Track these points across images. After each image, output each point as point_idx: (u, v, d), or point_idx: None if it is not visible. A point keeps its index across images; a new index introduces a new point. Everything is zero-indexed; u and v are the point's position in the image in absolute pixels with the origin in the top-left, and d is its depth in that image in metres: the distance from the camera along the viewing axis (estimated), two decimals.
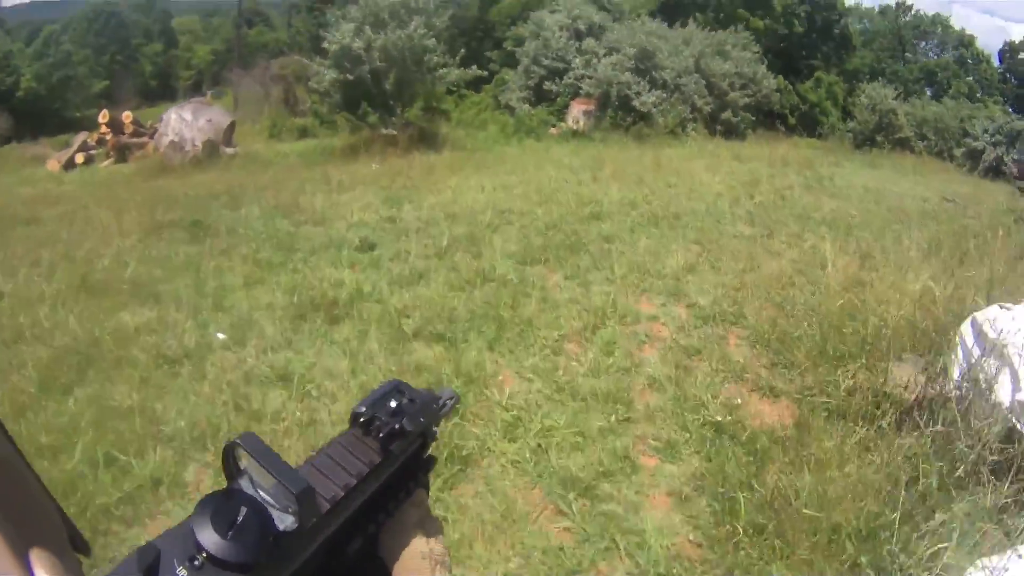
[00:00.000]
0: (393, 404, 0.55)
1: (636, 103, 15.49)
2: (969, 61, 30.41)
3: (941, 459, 2.57)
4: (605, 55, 16.61)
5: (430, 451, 0.60)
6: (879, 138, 19.67)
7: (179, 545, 0.39)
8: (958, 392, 2.78)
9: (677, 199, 7.65)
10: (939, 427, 2.68)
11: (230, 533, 0.39)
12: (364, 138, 12.38)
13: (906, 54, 31.51)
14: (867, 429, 2.91)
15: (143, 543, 0.38)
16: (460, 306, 4.29)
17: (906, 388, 3.01)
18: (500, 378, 3.52)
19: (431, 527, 0.59)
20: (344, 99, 13.06)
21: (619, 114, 15.60)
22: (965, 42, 30.75)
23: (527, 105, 17.12)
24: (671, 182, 8.56)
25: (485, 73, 15.52)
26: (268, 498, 0.43)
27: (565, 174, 8.94)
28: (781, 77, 19.65)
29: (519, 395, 3.34)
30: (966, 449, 2.51)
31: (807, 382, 3.49)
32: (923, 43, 32.60)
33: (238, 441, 0.43)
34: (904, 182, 12.63)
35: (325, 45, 12.52)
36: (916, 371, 3.14)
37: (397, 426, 0.53)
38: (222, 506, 0.40)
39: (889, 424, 2.88)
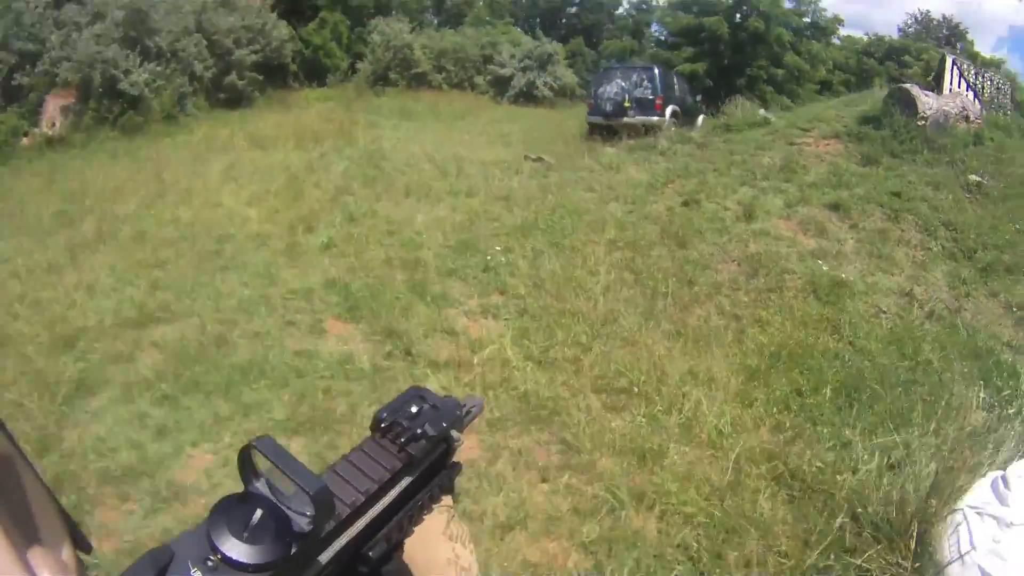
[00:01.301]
0: (414, 409, 0.55)
1: (124, 85, 12.08)
2: None
3: None
4: (88, 24, 12.56)
5: (455, 458, 0.59)
6: (392, 75, 19.42)
7: (194, 547, 0.38)
8: None
9: (203, 286, 4.76)
10: None
11: (245, 535, 0.39)
12: None
13: None
14: None
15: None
16: None
17: None
18: None
19: (457, 533, 0.61)
20: None
21: (104, 104, 11.94)
22: None
23: None
24: (185, 232, 5.96)
25: None
26: (285, 501, 0.43)
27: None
28: (286, 23, 17.87)
29: None
30: None
31: None
32: None
33: (254, 444, 0.43)
34: (460, 134, 12.90)
35: None
36: None
37: (419, 431, 0.53)
38: (237, 508, 0.40)
39: None
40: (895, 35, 29.00)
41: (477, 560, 0.60)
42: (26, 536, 0.34)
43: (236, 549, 0.39)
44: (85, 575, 0.41)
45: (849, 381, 3.90)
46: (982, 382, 3.96)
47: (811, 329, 4.60)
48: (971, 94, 9.92)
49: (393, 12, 22.83)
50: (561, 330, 4.22)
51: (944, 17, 30.15)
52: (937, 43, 25.76)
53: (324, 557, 0.45)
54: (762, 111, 10.83)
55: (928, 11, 31.83)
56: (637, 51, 27.32)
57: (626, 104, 13.11)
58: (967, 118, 8.34)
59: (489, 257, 5.28)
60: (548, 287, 4.81)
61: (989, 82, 10.23)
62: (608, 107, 13.20)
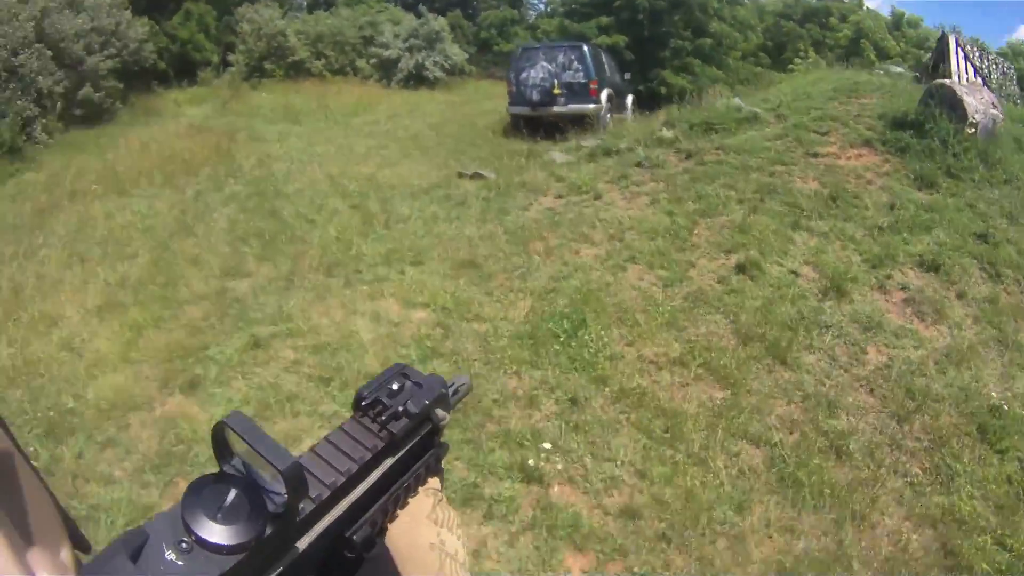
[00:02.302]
0: (395, 387, 0.53)
1: None
2: None
3: None
4: None
5: (443, 438, 0.56)
6: (268, 65, 17.00)
7: (168, 529, 0.38)
8: None
9: None
10: None
11: (219, 515, 0.38)
12: None
13: None
14: None
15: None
16: None
17: None
18: None
19: (443, 517, 0.57)
20: None
21: None
22: None
23: None
24: None
25: None
26: (261, 480, 0.41)
27: None
28: (147, 19, 14.83)
29: None
30: None
31: None
32: None
33: (226, 421, 0.41)
34: (362, 138, 10.24)
35: None
36: None
37: (401, 408, 0.51)
38: (211, 489, 0.39)
39: None
40: None
41: (464, 546, 0.55)
42: (25, 536, 0.33)
43: (210, 530, 0.37)
44: None
45: None
46: None
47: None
48: (980, 81, 8.72)
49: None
50: None
51: None
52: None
53: (305, 540, 0.43)
54: (736, 99, 9.00)
55: None
56: (517, 20, 25.51)
57: (556, 91, 10.97)
58: (995, 119, 7.01)
59: (525, 449, 3.07)
60: (658, 527, 2.70)
61: (995, 66, 9.09)
62: (535, 95, 11.03)
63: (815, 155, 6.82)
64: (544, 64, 11.16)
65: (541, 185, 6.80)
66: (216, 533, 0.37)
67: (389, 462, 0.50)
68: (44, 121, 10.52)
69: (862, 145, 6.92)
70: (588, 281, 4.71)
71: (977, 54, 8.92)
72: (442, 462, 0.57)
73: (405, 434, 0.51)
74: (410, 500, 0.53)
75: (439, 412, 0.54)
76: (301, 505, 0.42)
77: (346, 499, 0.47)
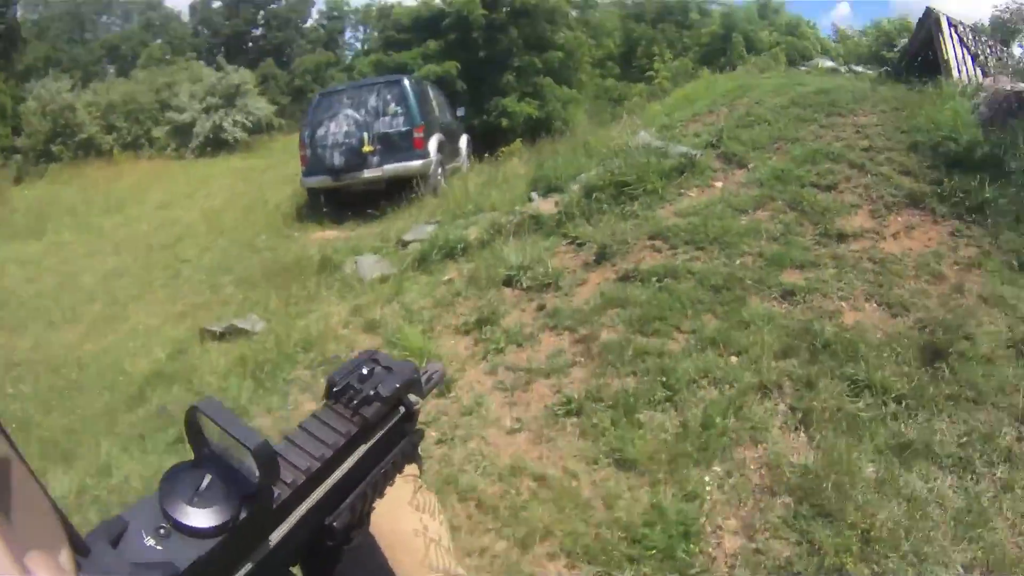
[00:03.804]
0: (365, 371, 0.53)
1: None
2: (158, 23, 27.04)
3: None
4: None
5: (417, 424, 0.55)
6: (56, 147, 14.25)
7: (146, 515, 0.38)
8: None
9: None
10: None
11: (195, 499, 0.39)
12: None
13: (86, 34, 26.22)
14: None
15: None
16: None
17: None
18: None
19: (424, 503, 0.58)
20: None
21: None
22: (153, 4, 26.74)
23: None
24: None
25: None
26: (236, 465, 0.41)
27: None
28: None
29: None
30: None
31: None
32: (103, 17, 27.86)
33: (198, 406, 0.41)
34: (101, 258, 7.50)
35: None
36: None
37: (372, 392, 0.51)
38: (188, 474, 0.40)
39: None
40: None
41: (447, 531, 0.57)
42: (23, 539, 0.33)
43: (186, 514, 0.38)
44: None
45: None
46: None
47: None
48: (979, 72, 6.31)
49: (59, 68, 17.84)
50: None
51: None
52: None
53: (284, 528, 0.43)
54: (643, 134, 5.95)
55: None
56: (334, 63, 22.88)
57: (366, 148, 7.88)
58: None
59: None
60: None
61: (989, 49, 6.72)
62: (336, 159, 7.89)
63: (839, 236, 4.02)
64: (349, 113, 8.05)
65: (337, 341, 3.86)
66: (192, 517, 0.38)
67: (364, 447, 0.50)
68: None
69: (906, 206, 4.19)
70: None
71: (970, 35, 6.53)
72: (419, 448, 0.57)
73: (378, 419, 0.51)
74: (389, 487, 0.53)
75: (412, 397, 0.54)
76: (278, 492, 0.42)
77: (323, 485, 0.47)
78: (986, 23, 7.63)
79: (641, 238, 4.11)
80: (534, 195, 5.18)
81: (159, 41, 24.03)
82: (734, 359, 3.26)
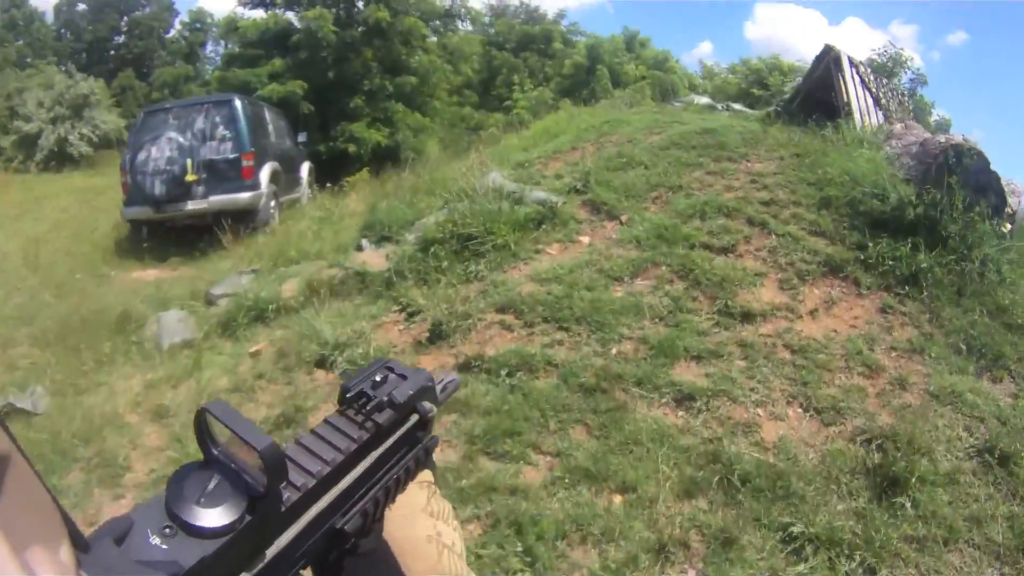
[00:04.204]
0: (379, 378, 0.52)
1: None
2: (20, 23, 24.22)
3: None
4: None
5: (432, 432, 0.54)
6: None
7: (153, 515, 0.38)
8: None
9: None
10: None
11: (202, 500, 0.39)
12: None
13: None
14: None
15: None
16: None
17: None
18: None
19: (438, 509, 0.58)
20: None
21: None
22: (17, 2, 23.97)
23: None
24: None
25: None
26: (244, 467, 0.41)
27: None
28: None
29: None
30: None
31: None
32: None
33: (207, 407, 0.41)
34: None
35: None
36: None
37: (385, 398, 0.51)
38: (195, 475, 0.40)
39: None
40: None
41: (460, 537, 0.56)
42: (24, 534, 0.33)
43: (192, 514, 0.38)
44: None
45: None
46: None
47: None
48: (881, 115, 5.93)
49: None
50: None
51: None
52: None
53: (292, 530, 0.43)
54: (495, 176, 4.96)
55: None
56: (193, 76, 21.57)
57: (190, 176, 7.07)
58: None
59: None
60: None
61: (891, 93, 6.40)
62: (157, 188, 7.04)
63: (743, 315, 3.20)
64: (173, 136, 7.13)
65: (121, 432, 3.05)
66: (198, 517, 0.38)
67: (376, 453, 0.50)
68: None
69: (823, 275, 3.44)
70: None
71: (872, 77, 6.18)
72: (433, 455, 0.56)
73: (391, 425, 0.51)
74: (403, 493, 0.53)
75: (426, 404, 0.53)
76: (287, 495, 0.42)
77: (334, 489, 0.47)
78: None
79: (488, 311, 3.19)
80: (364, 243, 4.21)
81: (20, 42, 21.84)
82: (618, 500, 2.30)
